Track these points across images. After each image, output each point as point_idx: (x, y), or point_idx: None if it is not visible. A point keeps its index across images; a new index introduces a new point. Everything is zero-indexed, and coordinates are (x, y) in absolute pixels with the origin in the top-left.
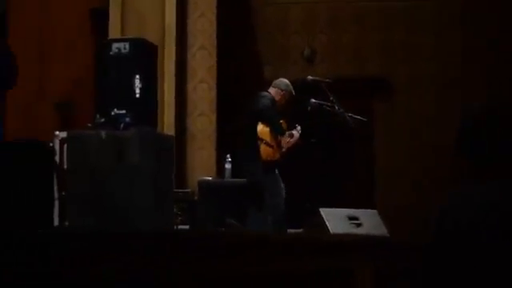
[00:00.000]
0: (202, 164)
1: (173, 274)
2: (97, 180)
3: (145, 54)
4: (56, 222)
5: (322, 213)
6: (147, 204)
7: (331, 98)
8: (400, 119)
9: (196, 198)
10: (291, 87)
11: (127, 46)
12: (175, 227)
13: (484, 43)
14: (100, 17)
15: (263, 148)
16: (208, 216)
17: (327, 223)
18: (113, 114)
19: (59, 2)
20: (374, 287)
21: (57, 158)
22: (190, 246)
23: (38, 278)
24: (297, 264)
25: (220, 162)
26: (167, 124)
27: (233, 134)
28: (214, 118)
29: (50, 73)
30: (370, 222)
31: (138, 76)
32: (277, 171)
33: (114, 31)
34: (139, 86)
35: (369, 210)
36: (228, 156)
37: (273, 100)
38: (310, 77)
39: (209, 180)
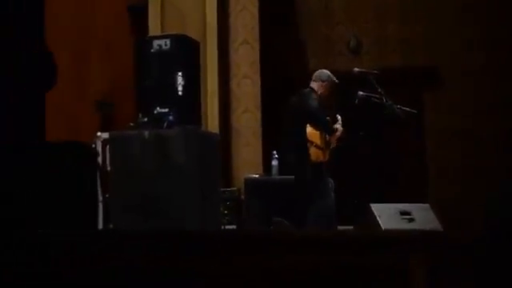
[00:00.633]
0: (248, 161)
1: (221, 275)
2: (140, 181)
3: (187, 51)
4: (100, 225)
5: (372, 208)
6: (193, 205)
7: (379, 90)
8: (450, 111)
9: (243, 196)
10: (332, 76)
11: (168, 42)
12: (222, 227)
13: None
14: (139, 14)
15: (313, 151)
16: (255, 215)
17: (378, 219)
18: (155, 112)
19: None
20: (429, 283)
21: (99, 160)
22: (237, 246)
23: (87, 278)
24: (348, 262)
25: (267, 158)
26: (211, 121)
27: (281, 135)
28: (258, 114)
29: (88, 72)
30: (422, 217)
31: (180, 73)
32: (326, 172)
33: (153, 28)
34: (182, 83)
35: (421, 205)
36: (274, 153)
37: (317, 97)
38: (356, 68)
39: (255, 177)
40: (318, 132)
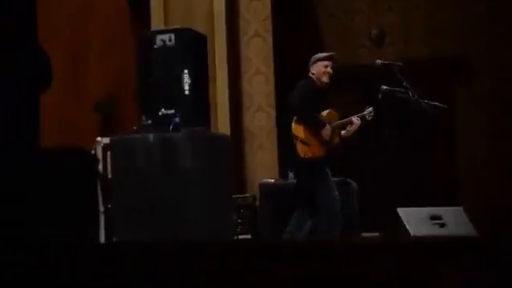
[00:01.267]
0: (263, 165)
1: None
2: (145, 189)
3: (193, 46)
4: (102, 239)
5: (400, 213)
6: (203, 213)
7: (404, 84)
8: (483, 105)
9: (257, 203)
10: (324, 54)
11: (173, 37)
12: (235, 237)
13: None
14: (140, 6)
15: (299, 146)
16: (271, 223)
17: (406, 225)
18: (160, 114)
19: None
20: None
21: (100, 167)
22: (252, 258)
23: None
24: (373, 273)
25: (283, 162)
26: (221, 122)
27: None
28: (273, 113)
29: (86, 70)
30: (454, 221)
31: (186, 70)
32: (323, 169)
33: (156, 21)
34: (188, 81)
35: (453, 208)
36: None
37: (314, 84)
38: (379, 60)
39: (271, 182)
40: (301, 126)
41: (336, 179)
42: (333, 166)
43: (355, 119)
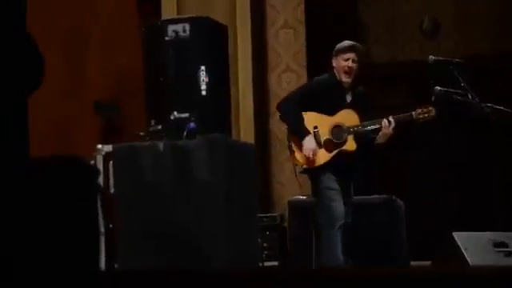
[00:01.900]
0: (293, 179)
1: None
2: (154, 207)
3: (211, 38)
4: (103, 264)
5: (456, 238)
6: (221, 235)
7: (463, 85)
8: None
9: (286, 224)
10: (344, 43)
11: (187, 27)
12: (260, 264)
13: None
14: None
15: (293, 154)
16: (303, 246)
17: (464, 252)
18: (172, 118)
19: None
20: None
21: (100, 180)
22: None
23: None
24: None
25: None
26: (244, 127)
27: None
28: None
29: (85, 67)
30: None
31: (203, 67)
32: (317, 176)
33: (167, 8)
34: (205, 79)
35: None
36: None
37: (317, 82)
38: (432, 57)
39: (302, 199)
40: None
41: (377, 196)
42: (368, 179)
43: (385, 122)
